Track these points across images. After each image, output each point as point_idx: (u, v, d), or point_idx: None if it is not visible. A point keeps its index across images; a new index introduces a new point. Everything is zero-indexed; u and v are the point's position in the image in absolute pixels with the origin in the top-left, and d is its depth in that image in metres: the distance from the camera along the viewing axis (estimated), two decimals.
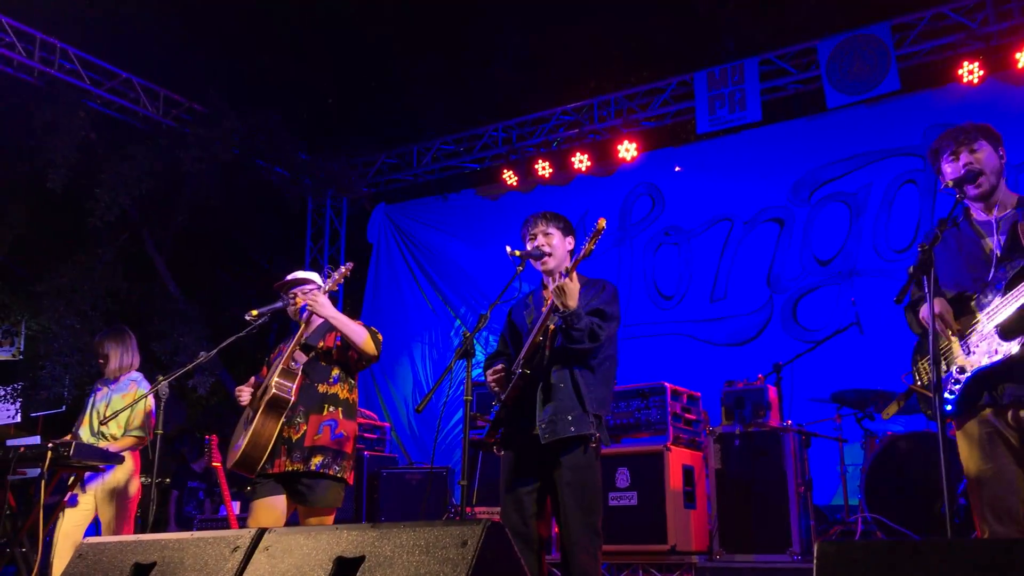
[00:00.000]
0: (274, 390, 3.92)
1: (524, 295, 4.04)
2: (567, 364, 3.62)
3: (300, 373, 4.04)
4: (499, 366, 3.79)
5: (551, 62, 11.17)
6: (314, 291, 4.14)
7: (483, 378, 3.90)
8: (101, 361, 5.39)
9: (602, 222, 3.45)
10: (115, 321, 9.99)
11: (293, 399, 3.96)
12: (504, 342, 4.00)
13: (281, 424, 3.95)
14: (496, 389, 3.75)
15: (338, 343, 4.19)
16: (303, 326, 4.19)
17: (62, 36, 8.86)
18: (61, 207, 10.23)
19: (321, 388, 4.10)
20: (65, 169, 8.95)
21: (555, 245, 3.82)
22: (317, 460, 3.96)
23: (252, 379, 4.31)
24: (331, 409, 4.07)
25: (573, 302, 3.51)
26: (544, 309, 3.62)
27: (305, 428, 3.99)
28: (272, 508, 3.99)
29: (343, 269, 4.13)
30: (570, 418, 3.54)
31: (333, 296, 4.31)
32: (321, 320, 4.22)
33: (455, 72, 11.66)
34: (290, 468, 3.94)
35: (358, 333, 4.07)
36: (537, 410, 3.58)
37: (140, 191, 9.50)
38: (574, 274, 3.55)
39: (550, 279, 3.84)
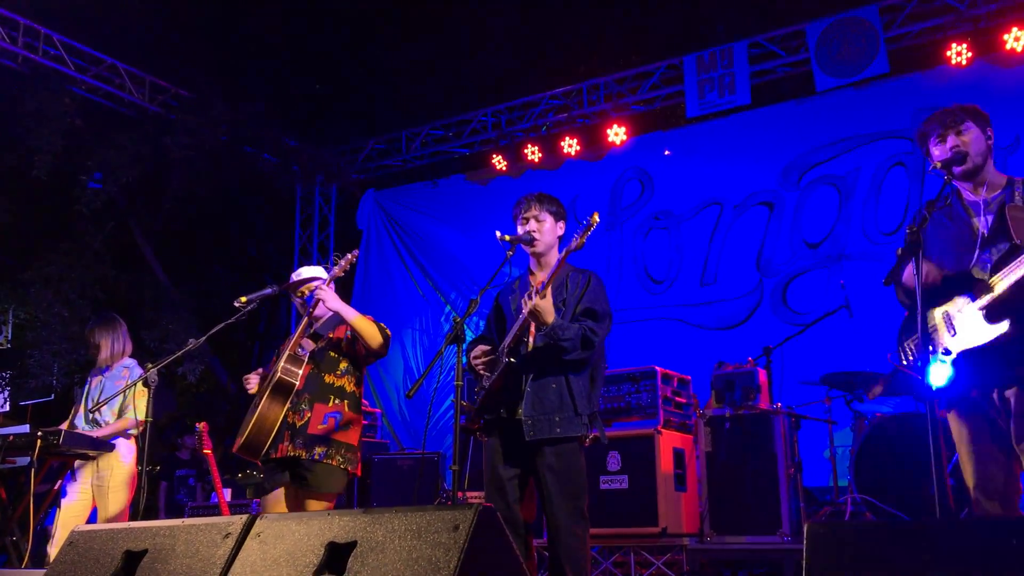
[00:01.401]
0: (280, 374, 3.96)
1: (512, 279, 4.02)
2: (559, 366, 3.57)
3: (307, 361, 4.08)
4: (487, 348, 3.74)
5: (540, 46, 11.12)
6: (321, 284, 4.14)
7: (470, 344, 3.85)
8: (93, 351, 5.38)
9: (596, 216, 3.38)
10: (103, 309, 9.95)
11: (299, 385, 4.00)
12: (489, 326, 3.98)
13: (286, 409, 3.99)
14: (483, 372, 3.72)
15: (348, 336, 4.22)
16: (309, 316, 4.22)
17: (46, 22, 8.76)
18: (47, 195, 10.15)
19: (328, 379, 4.13)
20: (50, 156, 8.88)
21: (545, 231, 3.79)
22: (320, 449, 4.00)
23: (260, 369, 4.35)
24: (336, 401, 4.11)
25: (550, 318, 3.47)
26: (523, 311, 3.53)
27: (309, 415, 4.03)
28: (281, 500, 4.09)
29: (349, 256, 4.15)
30: (557, 419, 3.52)
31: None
32: (331, 312, 4.24)
33: (444, 57, 11.59)
34: (292, 453, 3.98)
35: (368, 327, 4.08)
36: (524, 404, 3.55)
37: (127, 178, 9.44)
38: (548, 291, 3.47)
39: (537, 262, 3.84)
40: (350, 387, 4.18)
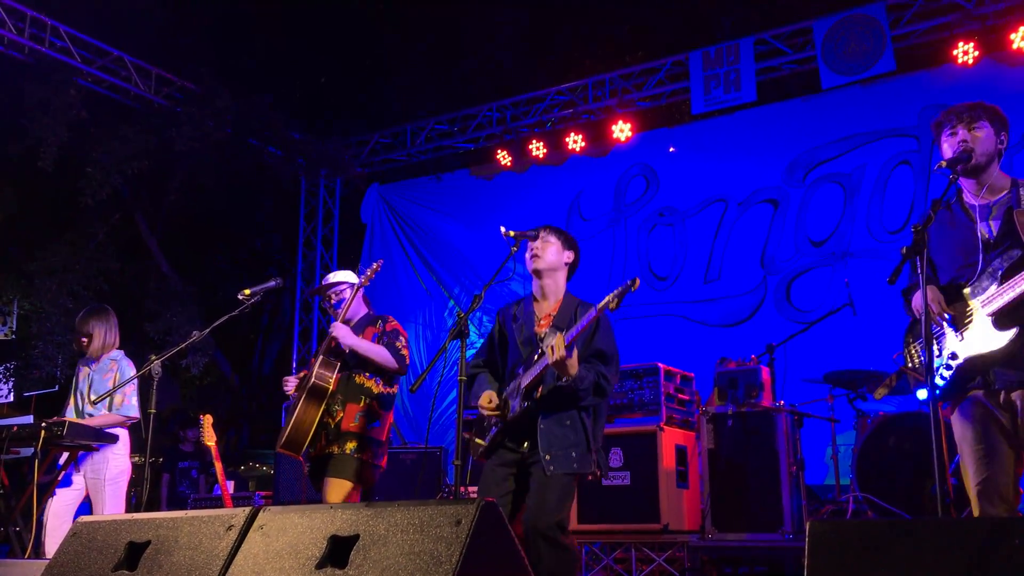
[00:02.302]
0: (314, 380, 4.30)
1: (513, 301, 4.03)
2: (572, 403, 3.62)
3: (339, 365, 4.37)
4: (494, 398, 3.74)
5: (546, 42, 11.13)
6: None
7: (471, 368, 3.93)
8: (84, 340, 5.25)
9: (636, 281, 3.30)
10: (108, 301, 9.99)
11: (332, 388, 4.32)
12: (491, 347, 3.98)
13: (321, 411, 4.30)
14: (493, 419, 3.76)
15: (375, 339, 4.48)
16: (340, 320, 4.46)
17: (52, 13, 8.76)
18: (52, 186, 10.18)
19: (359, 379, 4.42)
20: (56, 147, 8.89)
21: (550, 250, 3.81)
22: (351, 445, 4.32)
23: (303, 371, 4.59)
24: (367, 400, 4.39)
25: (574, 371, 3.48)
26: (545, 359, 3.51)
27: (342, 415, 4.36)
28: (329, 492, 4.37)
29: (375, 265, 4.43)
30: (574, 454, 3.58)
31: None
32: (360, 315, 4.57)
33: (449, 51, 11.60)
34: (327, 451, 4.34)
35: (381, 356, 4.37)
36: (540, 440, 3.58)
37: (132, 170, 9.45)
38: (575, 350, 3.47)
39: (540, 288, 3.85)
40: (378, 388, 4.45)
